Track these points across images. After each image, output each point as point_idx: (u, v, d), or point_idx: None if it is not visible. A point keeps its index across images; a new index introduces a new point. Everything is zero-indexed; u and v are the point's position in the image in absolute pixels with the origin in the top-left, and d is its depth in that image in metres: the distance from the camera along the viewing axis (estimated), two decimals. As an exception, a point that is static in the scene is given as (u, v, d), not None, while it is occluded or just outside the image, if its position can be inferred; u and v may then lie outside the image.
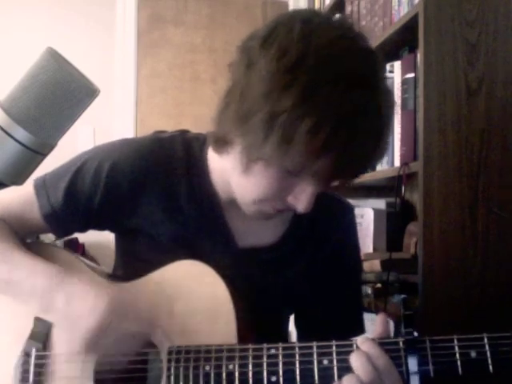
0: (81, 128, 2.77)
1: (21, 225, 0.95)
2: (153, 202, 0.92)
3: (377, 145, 0.78)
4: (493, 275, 1.35)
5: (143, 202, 0.92)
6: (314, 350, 0.76)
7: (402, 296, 1.29)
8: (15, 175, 1.20)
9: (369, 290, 1.66)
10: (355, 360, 0.73)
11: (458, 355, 0.72)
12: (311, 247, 0.98)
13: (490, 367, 0.72)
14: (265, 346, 0.79)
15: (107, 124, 2.91)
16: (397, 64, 1.62)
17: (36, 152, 1.20)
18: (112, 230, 0.99)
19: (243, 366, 0.78)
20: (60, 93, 1.16)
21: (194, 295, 0.85)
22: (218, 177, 0.93)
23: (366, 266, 1.63)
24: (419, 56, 1.41)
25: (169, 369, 0.81)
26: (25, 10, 2.88)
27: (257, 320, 0.85)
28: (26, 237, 0.98)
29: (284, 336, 1.05)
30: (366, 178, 1.62)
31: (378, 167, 1.71)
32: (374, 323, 0.79)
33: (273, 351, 0.78)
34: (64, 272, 0.86)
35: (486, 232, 1.35)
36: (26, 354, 0.87)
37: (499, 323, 0.74)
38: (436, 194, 1.34)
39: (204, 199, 0.94)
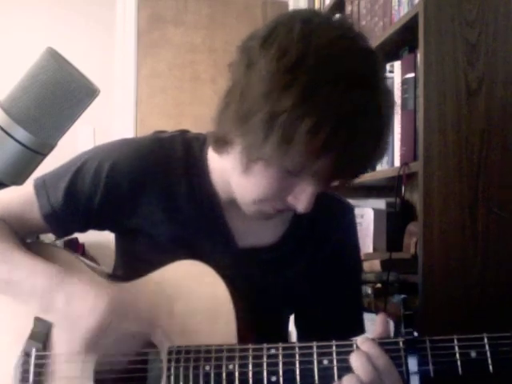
0: (81, 128, 2.77)
1: (21, 225, 0.95)
2: (153, 202, 0.92)
3: (377, 145, 0.78)
4: (493, 275, 1.35)
5: (143, 202, 0.92)
6: (314, 350, 0.76)
7: (402, 296, 1.29)
8: (15, 175, 1.20)
9: (369, 290, 1.66)
10: (355, 360, 0.73)
11: (458, 355, 0.72)
12: (311, 247, 0.98)
13: (490, 367, 0.72)
14: (265, 346, 0.78)
15: (107, 124, 2.91)
16: (397, 64, 1.62)
17: (36, 152, 1.20)
18: (112, 230, 0.99)
19: (243, 366, 0.78)
20: (60, 93, 1.16)
21: (193, 295, 0.85)
22: (217, 177, 0.93)
23: (366, 265, 1.63)
24: (419, 56, 1.41)
25: (169, 369, 0.81)
26: (25, 9, 2.88)
27: (257, 320, 0.85)
28: (26, 237, 0.98)
29: (284, 336, 1.05)
30: (366, 178, 1.62)
31: (378, 167, 1.71)
32: (374, 323, 0.79)
33: (273, 351, 0.78)
34: (64, 272, 0.86)
35: (485, 232, 1.35)
36: (26, 354, 0.87)
37: (499, 323, 0.74)
38: (436, 194, 1.34)
39: (204, 199, 0.93)
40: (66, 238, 1.36)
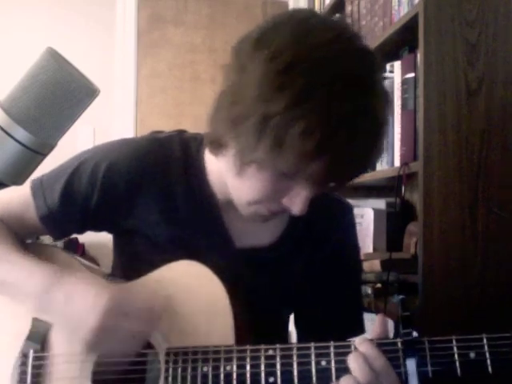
0: (81, 128, 2.77)
1: (20, 225, 0.95)
2: (150, 203, 0.92)
3: (373, 146, 0.78)
4: (493, 275, 1.35)
5: (140, 203, 0.92)
6: (312, 350, 0.76)
7: (400, 297, 1.29)
8: (15, 175, 1.20)
9: (369, 290, 1.66)
10: (353, 361, 0.73)
11: (456, 356, 0.72)
12: (310, 247, 0.98)
13: (489, 368, 0.72)
14: (262, 346, 0.78)
15: (107, 124, 2.91)
16: (397, 64, 1.61)
17: (36, 152, 1.20)
18: (109, 231, 0.99)
19: (241, 366, 0.78)
20: (60, 93, 1.16)
21: (191, 296, 0.85)
22: (215, 177, 0.93)
23: (366, 266, 1.63)
24: (419, 56, 1.41)
25: (167, 370, 0.81)
26: (25, 9, 2.88)
27: (255, 320, 0.84)
28: (25, 237, 0.98)
29: (284, 336, 1.05)
30: (366, 178, 1.62)
31: (378, 167, 1.71)
32: (373, 323, 0.79)
33: (270, 352, 0.78)
34: (61, 272, 0.86)
35: (485, 232, 1.35)
36: (24, 355, 0.87)
37: (499, 323, 0.73)
38: (436, 194, 1.34)
39: (202, 200, 0.93)
40: (66, 239, 1.36)
